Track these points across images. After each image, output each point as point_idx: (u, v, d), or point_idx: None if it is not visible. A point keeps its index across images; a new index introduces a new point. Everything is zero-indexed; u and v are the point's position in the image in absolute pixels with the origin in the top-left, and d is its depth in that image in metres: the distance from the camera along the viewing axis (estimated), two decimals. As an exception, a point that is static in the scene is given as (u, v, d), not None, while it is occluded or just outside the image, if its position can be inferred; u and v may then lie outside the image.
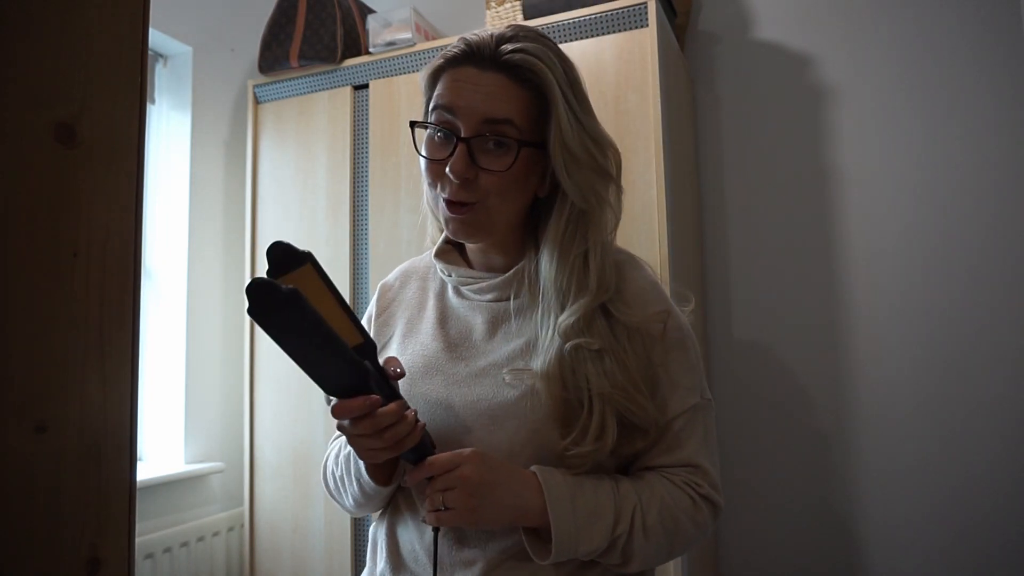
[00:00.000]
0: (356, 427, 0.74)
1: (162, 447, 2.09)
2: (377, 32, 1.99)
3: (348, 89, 2.02)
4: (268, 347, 2.04)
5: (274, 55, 2.07)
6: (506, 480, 0.78)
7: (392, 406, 0.73)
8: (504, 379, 0.84)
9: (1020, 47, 1.73)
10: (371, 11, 2.13)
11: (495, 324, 0.90)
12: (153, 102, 2.18)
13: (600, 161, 0.86)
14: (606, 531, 0.79)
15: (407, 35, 1.96)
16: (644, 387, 0.83)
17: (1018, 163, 1.72)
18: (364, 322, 1.02)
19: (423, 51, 1.92)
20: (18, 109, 0.41)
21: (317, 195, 2.03)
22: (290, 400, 2.00)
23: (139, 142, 0.48)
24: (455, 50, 0.85)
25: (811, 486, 1.86)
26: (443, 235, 0.97)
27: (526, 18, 1.86)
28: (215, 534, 2.05)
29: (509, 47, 0.83)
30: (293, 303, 0.59)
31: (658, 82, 1.61)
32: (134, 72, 0.48)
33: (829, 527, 1.83)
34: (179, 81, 2.18)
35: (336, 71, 2.03)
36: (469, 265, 0.96)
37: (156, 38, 2.09)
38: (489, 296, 0.92)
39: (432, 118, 0.85)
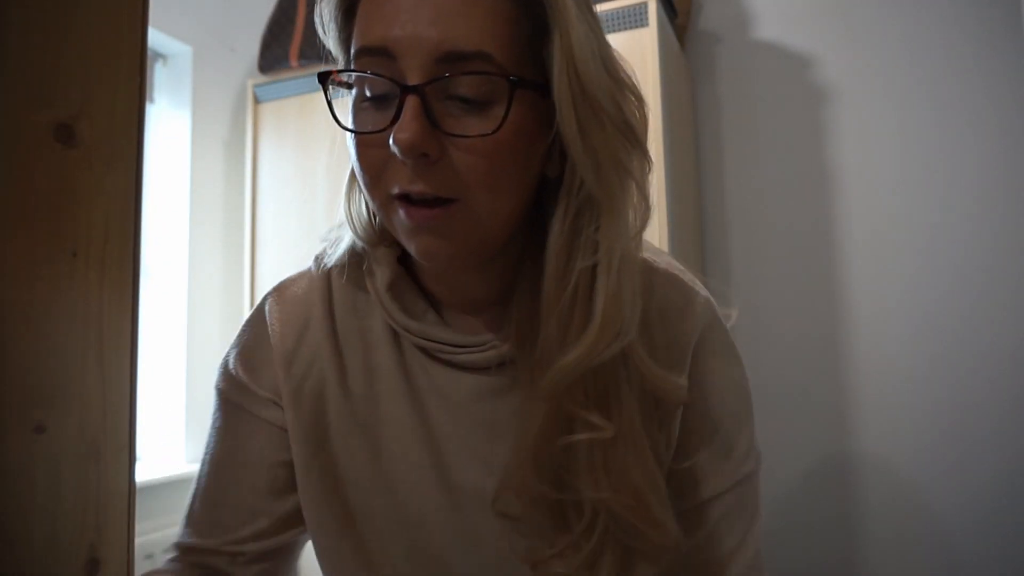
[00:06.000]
0: None
1: (162, 447, 2.09)
2: (377, 32, 1.99)
3: (348, 89, 2.02)
4: (268, 347, 2.04)
5: (274, 55, 2.07)
6: None
7: None
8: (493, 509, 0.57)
9: (1020, 47, 1.73)
10: (371, 11, 2.13)
11: (493, 409, 0.59)
12: (153, 102, 2.18)
13: (625, 112, 0.54)
14: None
15: (407, 35, 1.96)
16: (663, 484, 0.55)
17: (1019, 162, 1.72)
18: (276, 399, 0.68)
19: (423, 51, 1.92)
20: (18, 109, 0.41)
21: (317, 195, 2.03)
22: (290, 400, 2.00)
23: (139, 142, 0.48)
24: None
25: (813, 490, 1.86)
26: (384, 253, 0.61)
27: (526, 18, 1.86)
28: (215, 534, 2.05)
29: None
30: None
31: (658, 82, 1.61)
32: (134, 72, 0.48)
33: (831, 528, 1.83)
34: (179, 81, 2.18)
35: (336, 71, 2.03)
36: (428, 295, 0.62)
37: (156, 38, 2.09)
38: (482, 357, 0.59)
39: (356, 68, 0.51)
